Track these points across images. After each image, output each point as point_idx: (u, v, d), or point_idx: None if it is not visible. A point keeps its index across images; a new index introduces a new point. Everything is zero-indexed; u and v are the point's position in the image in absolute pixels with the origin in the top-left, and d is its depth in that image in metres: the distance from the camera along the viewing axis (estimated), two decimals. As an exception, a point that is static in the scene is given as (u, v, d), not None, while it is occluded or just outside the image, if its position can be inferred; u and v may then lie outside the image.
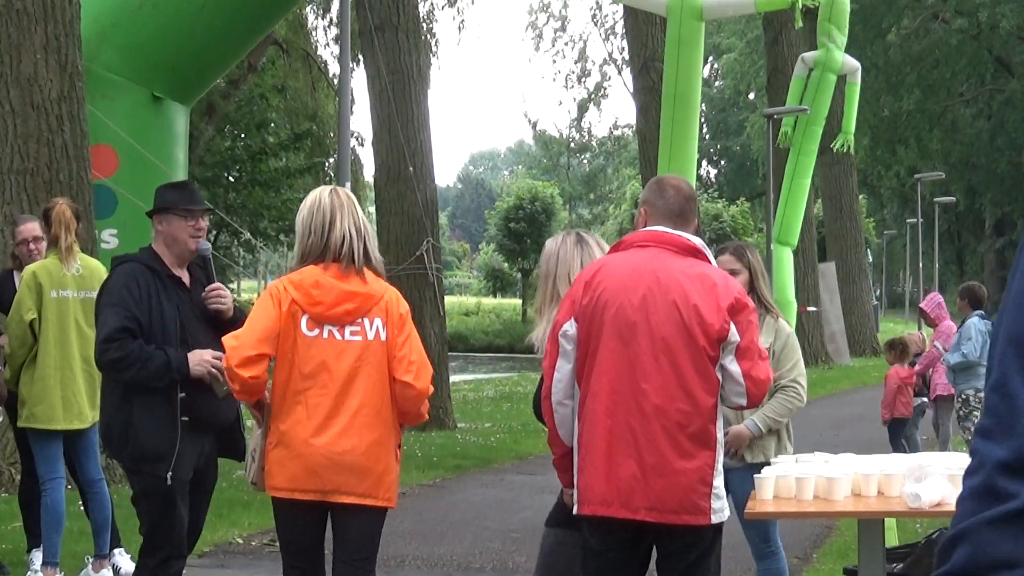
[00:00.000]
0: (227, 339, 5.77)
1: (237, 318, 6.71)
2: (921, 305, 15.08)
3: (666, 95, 17.20)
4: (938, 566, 2.10)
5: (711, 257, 5.30)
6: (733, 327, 5.03)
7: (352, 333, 5.78)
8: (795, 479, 5.67)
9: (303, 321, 5.74)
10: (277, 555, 6.51)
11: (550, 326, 5.41)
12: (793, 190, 22.52)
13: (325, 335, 5.75)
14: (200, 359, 6.40)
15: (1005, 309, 2.15)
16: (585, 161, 73.12)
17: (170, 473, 6.20)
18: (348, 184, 15.54)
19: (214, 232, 31.17)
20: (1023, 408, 2.04)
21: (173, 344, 6.42)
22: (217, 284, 6.81)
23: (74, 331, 8.08)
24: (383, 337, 5.78)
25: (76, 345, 8.04)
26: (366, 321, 5.79)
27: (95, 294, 7.22)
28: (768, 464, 6.30)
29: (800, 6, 17.74)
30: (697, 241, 5.25)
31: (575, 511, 5.19)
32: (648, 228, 5.29)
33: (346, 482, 5.69)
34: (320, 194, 6.07)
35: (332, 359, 5.74)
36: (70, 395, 8.02)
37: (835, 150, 25.47)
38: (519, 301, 66.40)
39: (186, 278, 6.72)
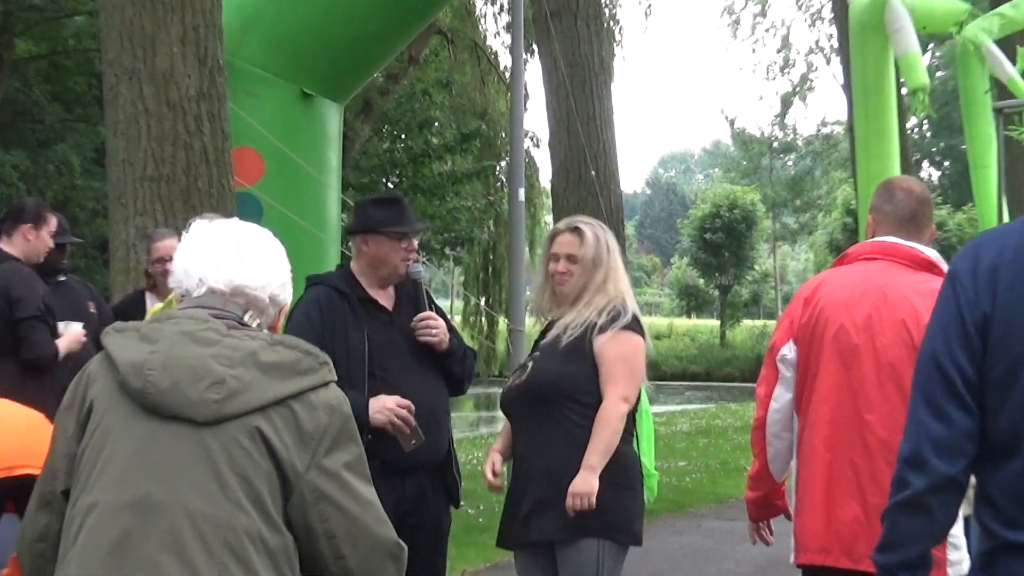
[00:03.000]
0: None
1: (453, 351, 6.63)
2: None
3: (856, 87, 16.96)
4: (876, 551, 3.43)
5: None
6: None
7: None
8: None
9: None
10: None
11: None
12: None
13: None
14: (382, 406, 6.24)
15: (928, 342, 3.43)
16: (790, 163, 72.39)
17: None
18: (522, 190, 15.37)
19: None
20: (918, 414, 3.32)
21: (359, 377, 6.32)
22: (428, 313, 6.62)
23: None
24: None
25: None
26: None
27: None
28: None
29: None
30: (932, 254, 5.14)
31: (791, 559, 5.15)
32: (876, 239, 5.22)
33: None
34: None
35: None
36: None
37: None
38: (717, 322, 65.95)
39: (387, 300, 6.66)
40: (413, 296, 6.73)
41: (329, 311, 6.42)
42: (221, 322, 3.42)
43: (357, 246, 6.79)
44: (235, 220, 3.80)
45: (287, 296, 3.68)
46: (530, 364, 6.22)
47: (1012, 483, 3.24)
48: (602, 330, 6.00)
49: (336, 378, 3.48)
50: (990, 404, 3.27)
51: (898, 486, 3.33)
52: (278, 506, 3.29)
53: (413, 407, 6.29)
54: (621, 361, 6.01)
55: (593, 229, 6.26)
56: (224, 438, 3.27)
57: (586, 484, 5.75)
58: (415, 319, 6.57)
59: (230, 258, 3.53)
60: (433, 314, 6.66)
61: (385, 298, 6.66)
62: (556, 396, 6.00)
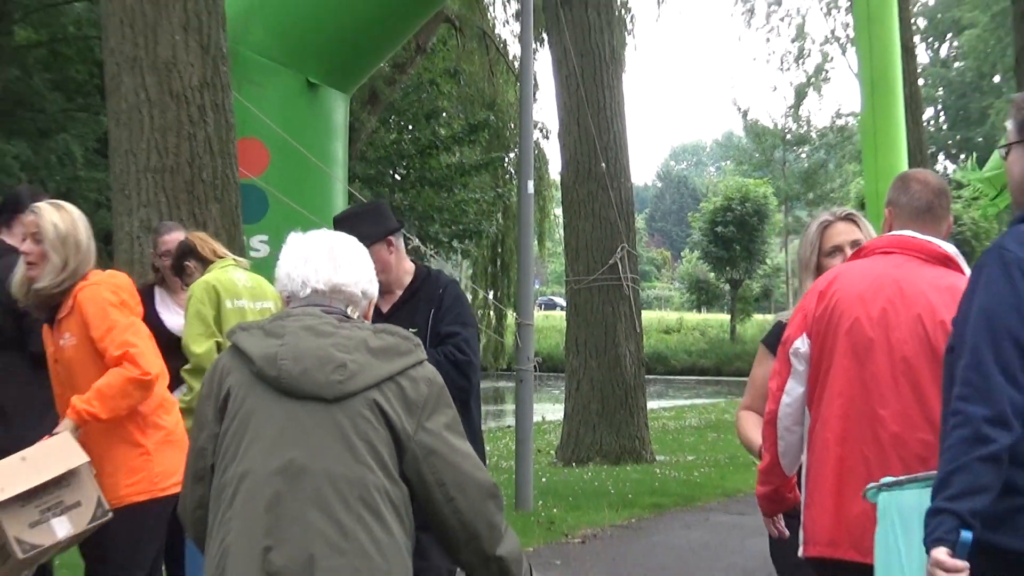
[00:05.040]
0: None
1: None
2: None
3: (863, 81, 17.09)
4: (937, 492, 3.81)
5: (965, 267, 5.12)
6: None
7: None
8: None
9: None
10: None
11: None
12: None
13: None
14: None
15: (976, 297, 3.92)
16: (804, 155, 72.28)
17: None
18: (531, 182, 15.37)
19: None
20: (996, 379, 3.72)
21: None
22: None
23: None
24: None
25: None
26: None
27: (269, 305, 8.21)
28: None
29: None
30: (949, 248, 5.15)
31: (800, 552, 5.20)
32: (893, 232, 5.24)
33: None
34: None
35: None
36: None
37: None
38: (727, 317, 66.02)
39: (385, 303, 7.08)
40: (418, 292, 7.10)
41: None
42: (332, 316, 4.18)
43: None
44: (325, 230, 4.56)
45: (374, 290, 4.39)
46: None
47: None
48: None
49: (426, 356, 4.21)
50: None
51: (976, 442, 3.71)
52: (395, 464, 4.04)
53: None
54: None
55: (859, 217, 6.20)
56: (349, 411, 4.02)
57: None
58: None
59: (326, 262, 4.29)
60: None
61: (384, 301, 6.99)
62: None
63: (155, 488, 6.47)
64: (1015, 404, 3.75)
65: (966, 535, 3.70)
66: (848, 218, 6.10)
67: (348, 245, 4.40)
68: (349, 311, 4.27)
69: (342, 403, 4.03)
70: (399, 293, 7.10)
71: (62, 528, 6.01)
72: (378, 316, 6.84)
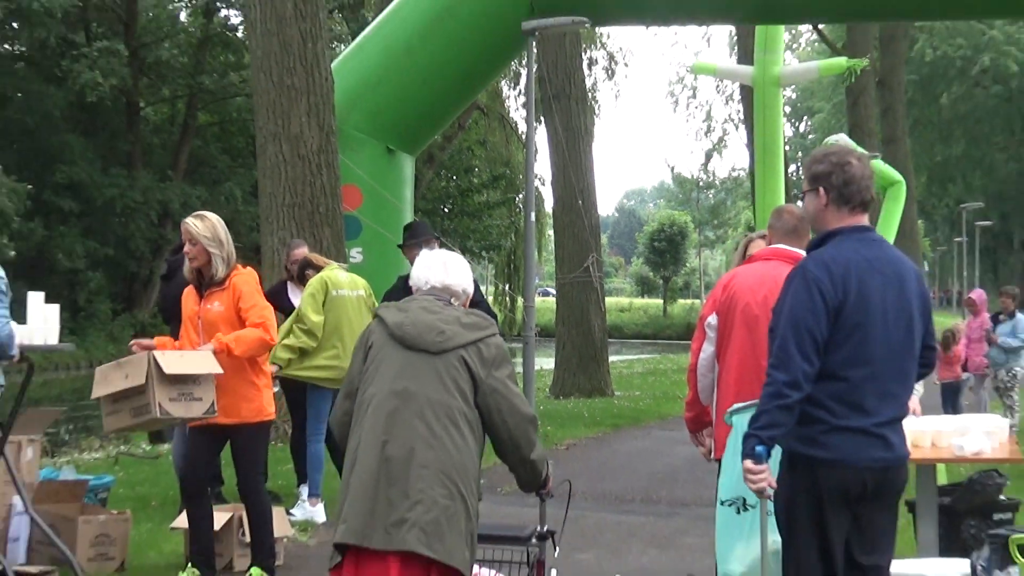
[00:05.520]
0: None
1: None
2: (971, 295, 14.73)
3: (756, 147, 17.09)
4: (750, 425, 3.84)
5: None
6: None
7: None
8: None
9: None
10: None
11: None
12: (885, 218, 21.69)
13: None
14: None
15: (788, 300, 3.94)
16: (711, 196, 71.85)
17: None
18: (533, 214, 15.28)
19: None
20: (795, 356, 3.80)
21: None
22: None
23: (345, 319, 8.27)
24: None
25: (347, 329, 8.22)
26: None
27: (361, 293, 8.32)
28: None
29: (856, 69, 18.12)
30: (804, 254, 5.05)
31: (712, 456, 5.20)
32: (772, 246, 5.20)
33: None
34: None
35: None
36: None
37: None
38: (661, 301, 65.71)
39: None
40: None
41: (399, 291, 7.13)
42: (440, 303, 4.28)
43: (405, 254, 7.49)
44: (441, 250, 4.76)
45: (471, 288, 4.44)
46: None
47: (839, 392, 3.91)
48: None
49: (497, 330, 4.32)
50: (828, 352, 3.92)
51: (777, 396, 3.80)
52: (472, 396, 4.13)
53: None
54: None
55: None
56: (445, 361, 4.12)
57: None
58: None
59: (440, 269, 4.42)
60: None
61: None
62: None
63: (264, 412, 6.32)
64: (806, 373, 3.80)
65: (760, 449, 3.79)
66: (762, 236, 6.10)
67: (456, 260, 4.50)
68: (452, 300, 4.32)
69: (440, 355, 4.12)
70: None
71: (185, 410, 5.89)
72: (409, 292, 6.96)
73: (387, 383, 4.12)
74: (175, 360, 5.92)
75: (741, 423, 4.29)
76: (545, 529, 4.64)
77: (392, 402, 4.08)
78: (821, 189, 4.04)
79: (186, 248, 6.26)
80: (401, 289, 7.40)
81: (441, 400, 4.08)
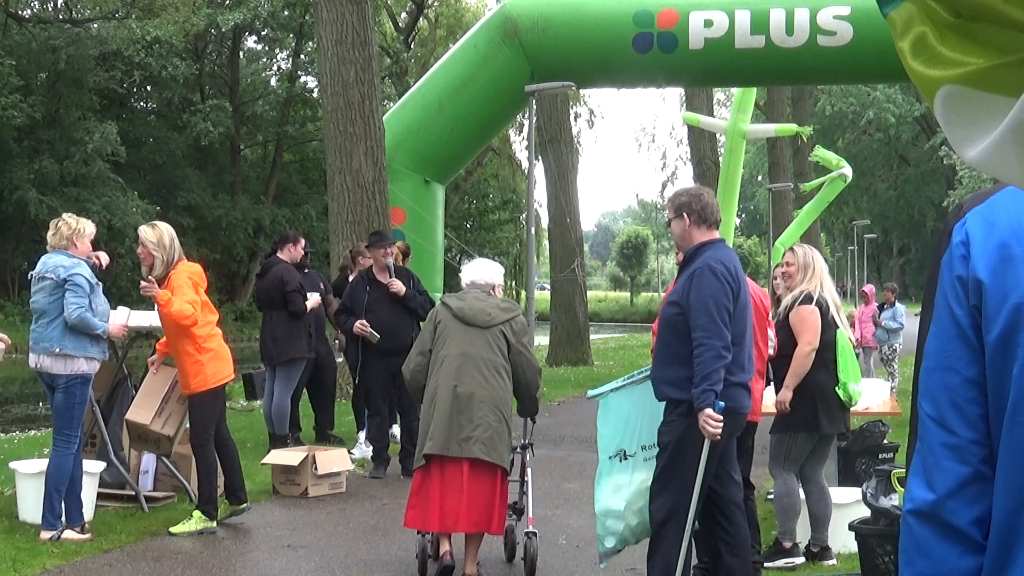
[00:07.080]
0: None
1: (409, 297, 7.34)
2: (864, 289, 14.80)
3: (721, 180, 16.97)
4: (702, 382, 3.82)
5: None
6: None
7: None
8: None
9: None
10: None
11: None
12: (794, 229, 21.55)
13: None
14: (355, 325, 7.32)
15: (702, 289, 3.98)
16: (665, 215, 71.84)
17: None
18: (533, 229, 15.17)
19: (458, 256, 31.21)
20: (722, 329, 3.86)
21: (360, 310, 7.32)
22: (390, 280, 7.35)
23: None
24: None
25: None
26: None
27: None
28: None
29: (803, 136, 18.25)
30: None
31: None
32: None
33: None
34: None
35: None
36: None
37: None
38: (629, 294, 65.70)
39: (384, 278, 7.37)
40: (397, 273, 7.43)
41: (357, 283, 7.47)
42: (484, 293, 4.83)
43: (370, 253, 7.57)
44: (480, 259, 5.22)
45: (500, 282, 4.90)
46: None
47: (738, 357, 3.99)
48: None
49: (521, 312, 4.88)
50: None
51: (718, 359, 3.85)
52: (507, 354, 4.67)
53: (367, 324, 7.15)
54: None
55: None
56: (492, 333, 4.69)
57: None
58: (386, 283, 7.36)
59: (482, 271, 4.94)
60: (394, 280, 7.35)
61: (383, 277, 7.38)
62: None
63: (208, 383, 5.60)
64: (726, 341, 3.87)
65: (720, 404, 3.83)
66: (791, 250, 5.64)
67: (490, 264, 5.06)
68: (492, 291, 4.89)
69: (488, 329, 4.70)
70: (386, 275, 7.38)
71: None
72: (381, 285, 7.27)
73: (455, 347, 4.66)
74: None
75: (605, 402, 4.36)
76: (527, 441, 5.11)
77: (459, 360, 4.64)
78: (684, 214, 4.08)
79: (138, 250, 5.64)
80: (358, 282, 7.55)
81: (490, 358, 4.66)
